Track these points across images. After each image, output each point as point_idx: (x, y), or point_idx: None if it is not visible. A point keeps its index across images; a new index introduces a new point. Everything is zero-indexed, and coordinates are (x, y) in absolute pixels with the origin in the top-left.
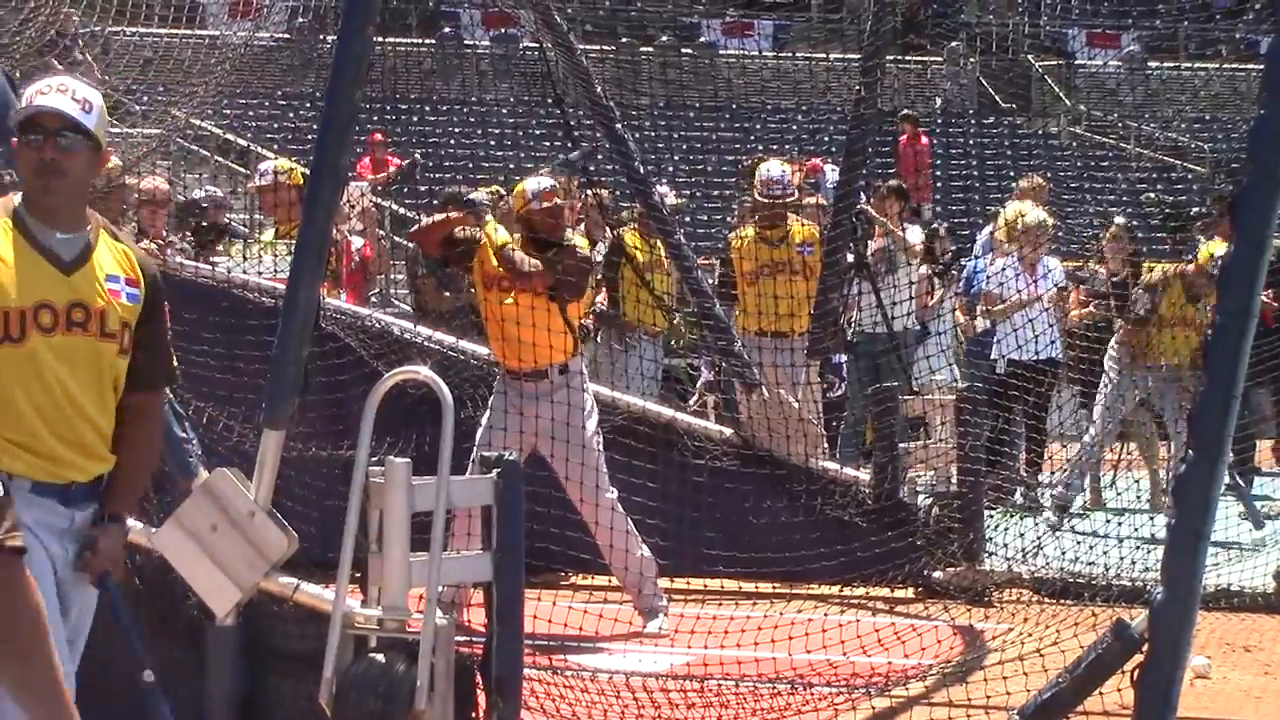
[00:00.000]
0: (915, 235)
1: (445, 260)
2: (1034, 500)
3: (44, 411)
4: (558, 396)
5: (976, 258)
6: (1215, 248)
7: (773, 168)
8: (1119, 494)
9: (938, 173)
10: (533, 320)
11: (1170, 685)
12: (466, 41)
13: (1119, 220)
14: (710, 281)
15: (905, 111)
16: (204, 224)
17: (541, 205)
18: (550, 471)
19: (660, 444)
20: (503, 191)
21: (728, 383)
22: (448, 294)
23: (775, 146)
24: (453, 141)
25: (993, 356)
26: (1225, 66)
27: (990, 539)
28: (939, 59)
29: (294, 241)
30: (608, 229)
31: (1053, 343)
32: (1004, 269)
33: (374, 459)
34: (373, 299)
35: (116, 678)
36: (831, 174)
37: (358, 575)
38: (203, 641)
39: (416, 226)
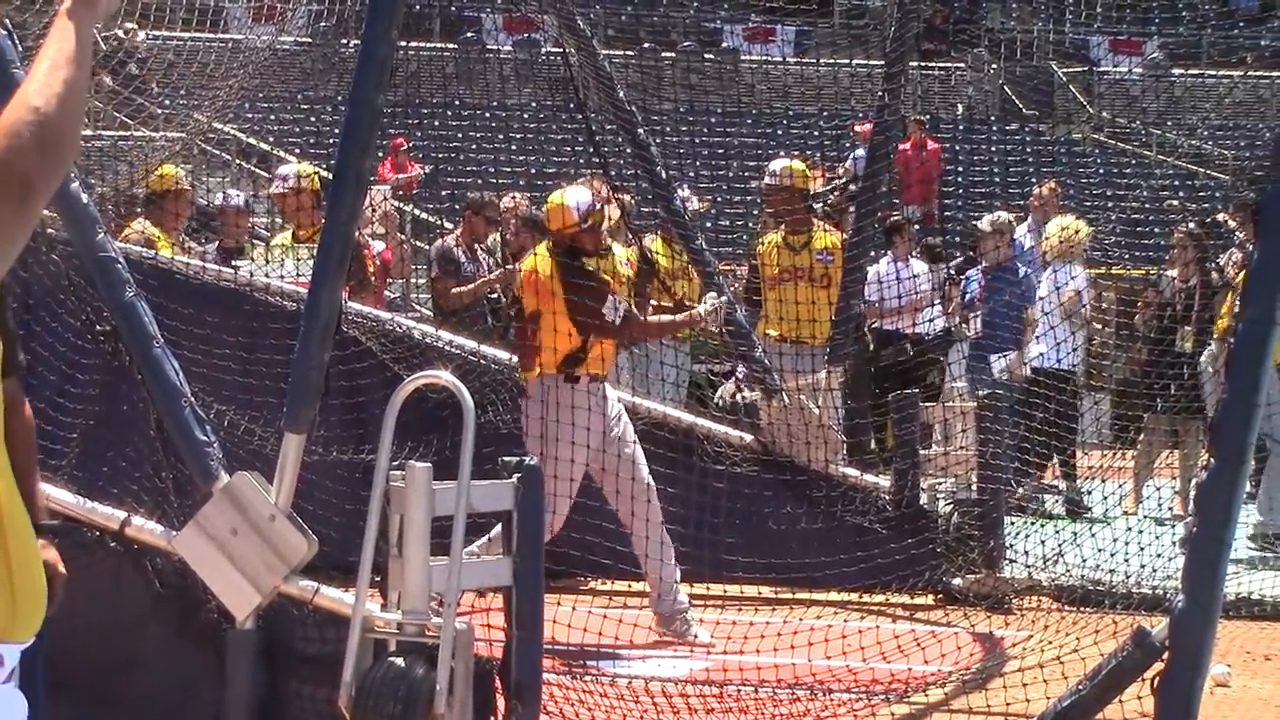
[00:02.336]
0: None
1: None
2: (1076, 504)
3: None
4: (592, 404)
5: (980, 264)
6: None
7: (779, 160)
8: (1142, 501)
9: (958, 178)
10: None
11: (1191, 693)
12: (489, 46)
13: (1187, 226)
14: (733, 287)
15: (915, 116)
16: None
17: (584, 227)
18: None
19: (680, 449)
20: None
21: (750, 387)
22: (456, 292)
23: (797, 152)
24: (474, 146)
25: (997, 364)
26: (1249, 74)
27: (1010, 546)
28: (962, 65)
29: (315, 245)
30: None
31: (1074, 350)
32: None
33: (395, 463)
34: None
35: None
36: (861, 150)
37: (378, 579)
38: (222, 645)
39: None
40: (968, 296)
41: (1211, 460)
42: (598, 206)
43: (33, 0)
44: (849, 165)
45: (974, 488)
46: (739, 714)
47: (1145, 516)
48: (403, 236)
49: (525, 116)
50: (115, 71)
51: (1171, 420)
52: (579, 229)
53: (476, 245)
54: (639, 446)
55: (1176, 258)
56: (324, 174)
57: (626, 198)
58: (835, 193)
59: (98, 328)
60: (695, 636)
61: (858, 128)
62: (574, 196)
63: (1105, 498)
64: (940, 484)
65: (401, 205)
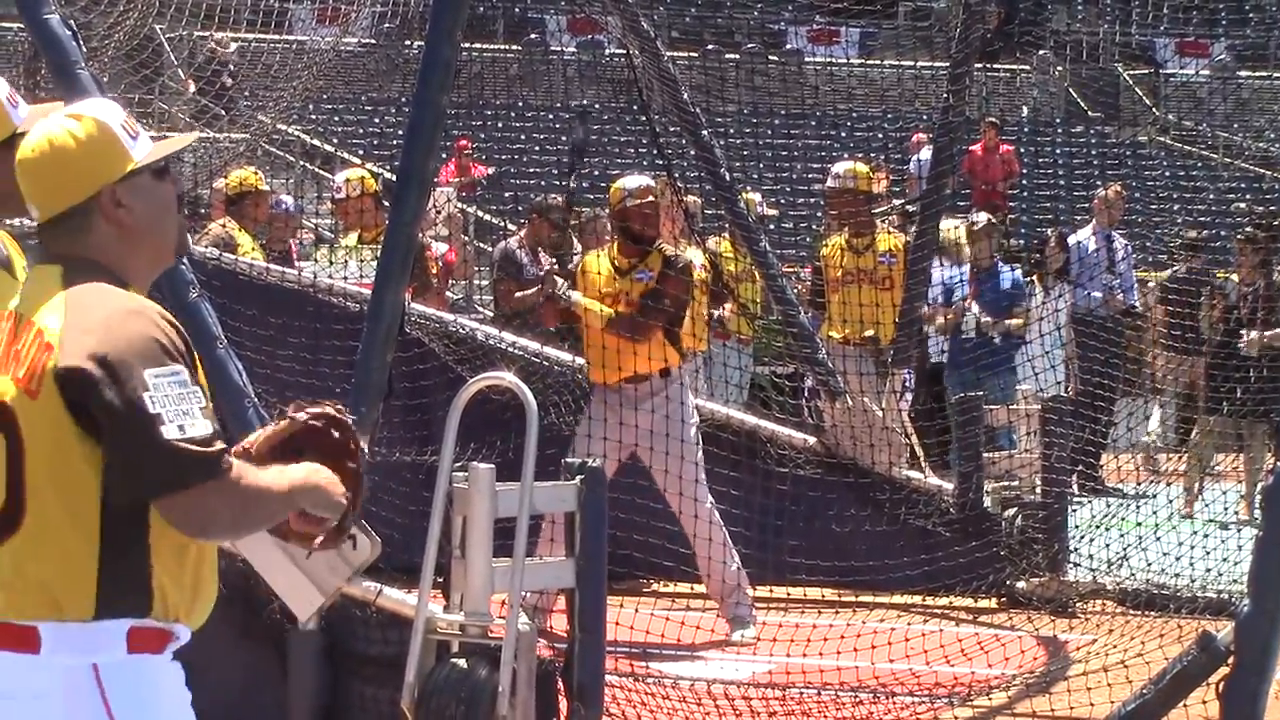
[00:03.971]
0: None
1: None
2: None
3: None
4: (657, 403)
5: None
6: None
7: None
8: (1206, 505)
9: (1024, 180)
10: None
11: (1256, 698)
12: (553, 47)
13: (1248, 230)
14: (797, 289)
15: (989, 119)
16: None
17: (636, 202)
18: (634, 478)
19: (744, 451)
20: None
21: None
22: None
23: (861, 154)
24: (538, 148)
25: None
26: None
27: (1074, 549)
28: (1027, 67)
29: (379, 247)
30: (695, 238)
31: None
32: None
33: (458, 464)
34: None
35: None
36: (927, 153)
37: (440, 580)
38: (285, 646)
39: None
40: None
41: (1277, 464)
42: (650, 186)
43: (97, 1)
44: (912, 170)
45: (1037, 490)
46: (802, 717)
47: (1210, 520)
48: (466, 238)
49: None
50: (210, 81)
51: (1236, 424)
52: (623, 200)
53: (540, 248)
54: (694, 447)
55: (1242, 261)
56: (386, 174)
57: (692, 198)
58: (894, 213)
59: None
60: (741, 636)
61: (915, 138)
62: (632, 177)
63: (1170, 501)
64: (1007, 487)
65: (465, 207)
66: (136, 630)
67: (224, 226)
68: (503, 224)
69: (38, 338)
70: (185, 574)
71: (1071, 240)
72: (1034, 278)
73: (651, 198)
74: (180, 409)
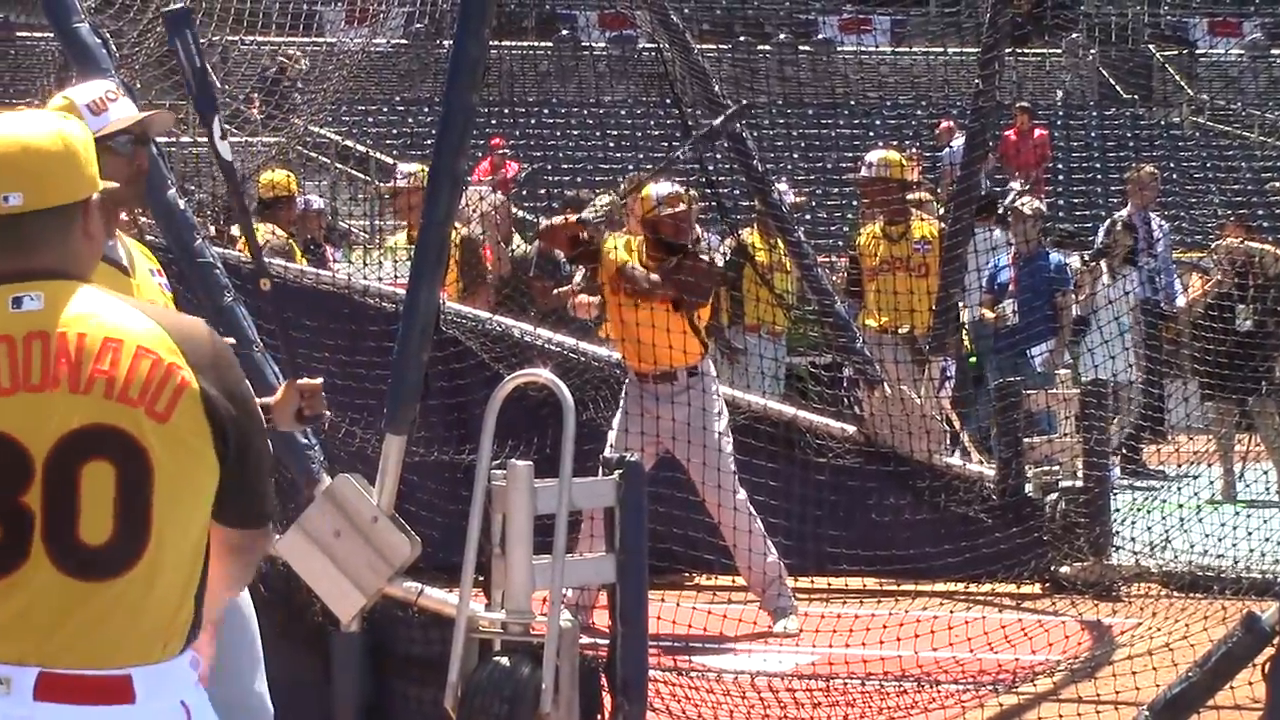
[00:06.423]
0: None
1: (574, 259)
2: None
3: None
4: (687, 398)
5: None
6: None
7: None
8: (1247, 486)
9: (1059, 165)
10: (658, 324)
11: None
12: (583, 43)
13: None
14: (833, 279)
15: (1021, 103)
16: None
17: (667, 210)
18: (674, 472)
19: (782, 442)
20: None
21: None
22: (556, 293)
23: (895, 142)
24: (571, 144)
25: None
26: None
27: (1117, 533)
28: (1058, 51)
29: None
30: (728, 229)
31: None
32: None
33: (496, 462)
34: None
35: None
36: (959, 141)
37: (481, 579)
38: (328, 648)
39: (542, 227)
40: (997, 285)
41: None
42: (679, 192)
43: (127, 8)
44: (945, 159)
45: (1079, 475)
46: (846, 707)
47: (1252, 501)
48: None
49: (622, 113)
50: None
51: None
52: (654, 209)
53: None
54: (723, 439)
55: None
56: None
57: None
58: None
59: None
60: (784, 627)
61: (944, 124)
62: (661, 184)
63: (1211, 483)
64: (1048, 471)
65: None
66: (192, 659)
67: (275, 234)
68: (537, 220)
69: (143, 355)
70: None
71: (1106, 223)
72: (1099, 262)
73: (683, 205)
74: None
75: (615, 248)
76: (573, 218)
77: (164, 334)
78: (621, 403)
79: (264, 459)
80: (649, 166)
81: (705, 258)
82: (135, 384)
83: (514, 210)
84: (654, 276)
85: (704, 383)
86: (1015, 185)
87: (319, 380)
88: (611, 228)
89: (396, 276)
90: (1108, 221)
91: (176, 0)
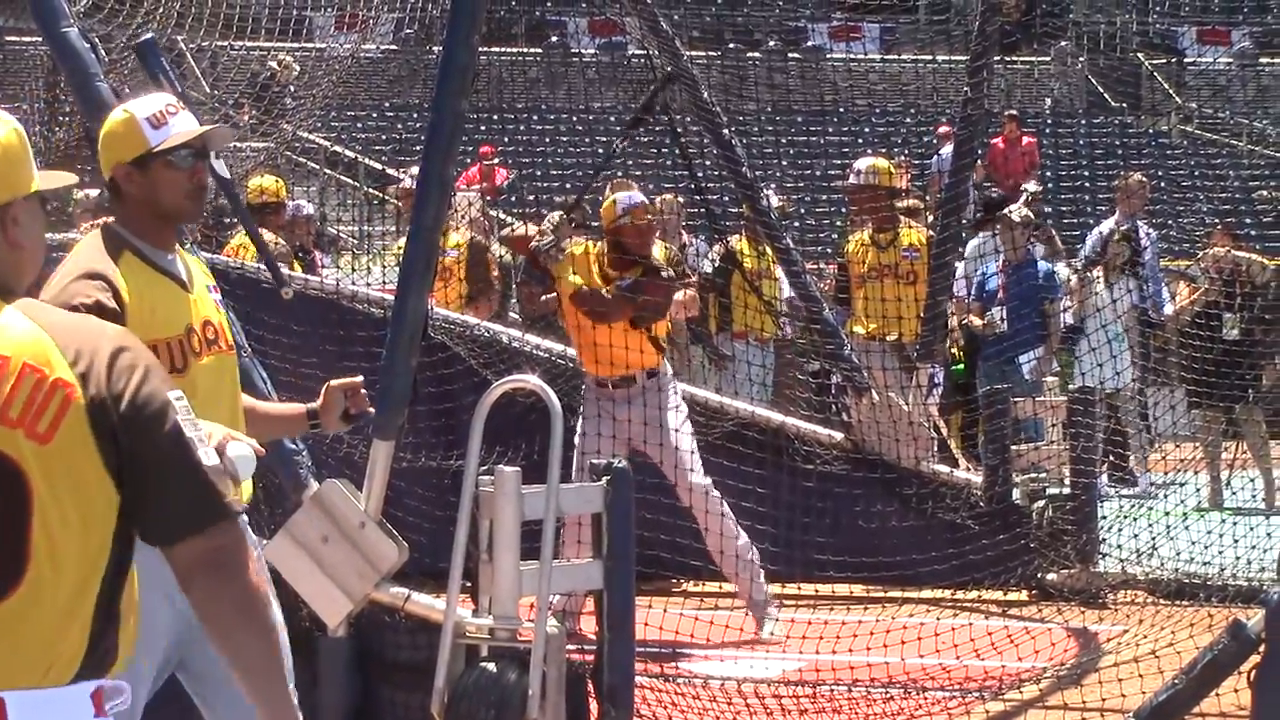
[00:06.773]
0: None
1: (535, 266)
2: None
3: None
4: (644, 398)
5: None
6: None
7: (865, 159)
8: (1234, 493)
9: (1046, 172)
10: (615, 334)
11: None
12: (573, 50)
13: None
14: (821, 286)
15: (1010, 111)
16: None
17: (632, 222)
18: (660, 479)
19: (770, 449)
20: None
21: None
22: (544, 299)
23: (884, 149)
24: (560, 150)
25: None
26: None
27: (1104, 540)
28: (1047, 59)
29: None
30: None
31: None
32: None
33: (483, 468)
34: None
35: None
36: (947, 149)
37: (468, 585)
38: (315, 653)
39: (502, 235)
40: (986, 292)
41: None
42: (644, 204)
43: (116, 12)
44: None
45: (1066, 482)
46: (833, 714)
47: (1238, 509)
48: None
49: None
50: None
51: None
52: (618, 219)
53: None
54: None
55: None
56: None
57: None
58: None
59: None
60: (770, 632)
61: (942, 128)
62: (626, 195)
63: (1198, 490)
64: (1035, 479)
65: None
66: (98, 692)
67: (279, 244)
68: (525, 227)
69: (28, 373)
70: (130, 623)
71: (1094, 231)
72: (1094, 270)
73: (648, 216)
74: (198, 434)
75: (572, 271)
76: (533, 230)
77: (52, 345)
78: (581, 408)
79: (175, 462)
80: (637, 172)
81: (665, 274)
82: (16, 404)
83: (502, 216)
84: (610, 297)
85: (661, 381)
86: (1029, 187)
87: (358, 379)
88: (561, 252)
89: (385, 282)
90: (1102, 230)
91: (144, 31)
